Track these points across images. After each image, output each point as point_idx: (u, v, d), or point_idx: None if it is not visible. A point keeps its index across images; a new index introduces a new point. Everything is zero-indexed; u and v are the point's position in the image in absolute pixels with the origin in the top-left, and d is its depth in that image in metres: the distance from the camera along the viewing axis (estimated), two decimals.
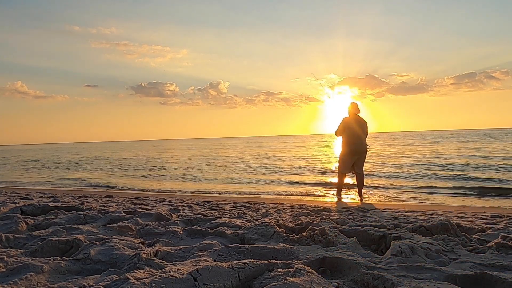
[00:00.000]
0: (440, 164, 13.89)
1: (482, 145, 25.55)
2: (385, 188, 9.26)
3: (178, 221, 3.01)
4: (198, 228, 2.65)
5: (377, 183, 9.98)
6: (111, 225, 2.74)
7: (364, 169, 6.48)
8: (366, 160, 6.49)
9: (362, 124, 6.42)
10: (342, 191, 6.95)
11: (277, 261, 1.75)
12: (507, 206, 6.37)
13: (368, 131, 6.48)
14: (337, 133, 6.50)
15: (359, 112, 6.52)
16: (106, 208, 3.78)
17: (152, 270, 1.63)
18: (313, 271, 1.60)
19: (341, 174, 6.52)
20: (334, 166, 15.26)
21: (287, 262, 1.76)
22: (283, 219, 3.34)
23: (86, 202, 4.47)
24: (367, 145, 6.39)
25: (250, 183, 11.35)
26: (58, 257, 1.80)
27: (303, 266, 1.64)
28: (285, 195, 8.51)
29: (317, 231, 2.38)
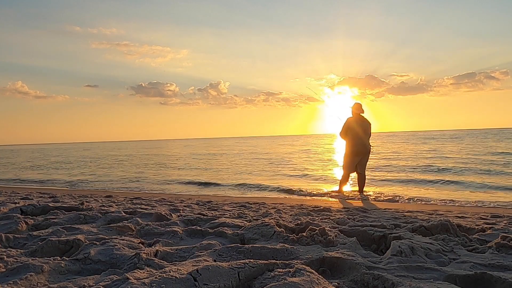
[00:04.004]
0: (439, 162, 13.90)
1: (483, 144, 25.57)
2: (385, 188, 9.25)
3: (178, 221, 3.01)
4: (198, 228, 2.65)
5: (377, 182, 9.97)
6: (111, 225, 2.74)
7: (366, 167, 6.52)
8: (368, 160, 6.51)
9: (366, 125, 6.41)
10: (343, 190, 6.95)
11: (277, 261, 1.75)
12: (507, 206, 6.37)
13: (371, 132, 6.47)
14: (341, 135, 6.49)
15: (362, 112, 6.51)
16: (106, 208, 3.78)
17: (152, 270, 1.63)
18: (313, 271, 1.60)
19: (346, 173, 6.53)
20: (334, 166, 15.26)
21: (287, 262, 1.76)
22: (283, 219, 3.34)
23: (86, 202, 4.46)
24: (370, 145, 6.39)
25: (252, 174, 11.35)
26: (58, 257, 1.80)
27: (303, 266, 1.64)
28: (285, 194, 8.50)
29: (317, 231, 2.38)
